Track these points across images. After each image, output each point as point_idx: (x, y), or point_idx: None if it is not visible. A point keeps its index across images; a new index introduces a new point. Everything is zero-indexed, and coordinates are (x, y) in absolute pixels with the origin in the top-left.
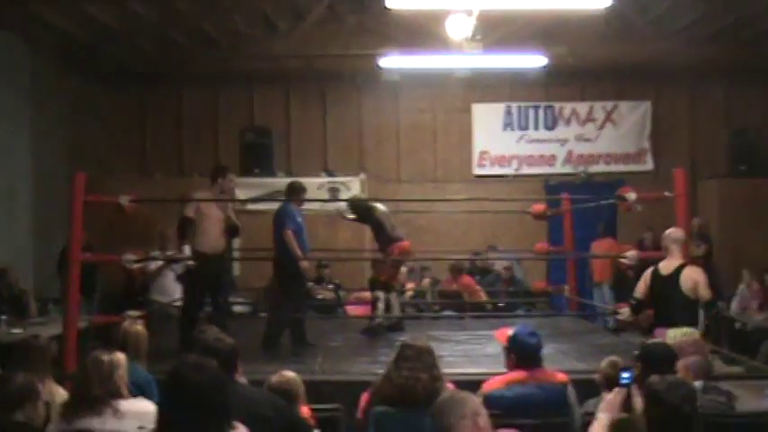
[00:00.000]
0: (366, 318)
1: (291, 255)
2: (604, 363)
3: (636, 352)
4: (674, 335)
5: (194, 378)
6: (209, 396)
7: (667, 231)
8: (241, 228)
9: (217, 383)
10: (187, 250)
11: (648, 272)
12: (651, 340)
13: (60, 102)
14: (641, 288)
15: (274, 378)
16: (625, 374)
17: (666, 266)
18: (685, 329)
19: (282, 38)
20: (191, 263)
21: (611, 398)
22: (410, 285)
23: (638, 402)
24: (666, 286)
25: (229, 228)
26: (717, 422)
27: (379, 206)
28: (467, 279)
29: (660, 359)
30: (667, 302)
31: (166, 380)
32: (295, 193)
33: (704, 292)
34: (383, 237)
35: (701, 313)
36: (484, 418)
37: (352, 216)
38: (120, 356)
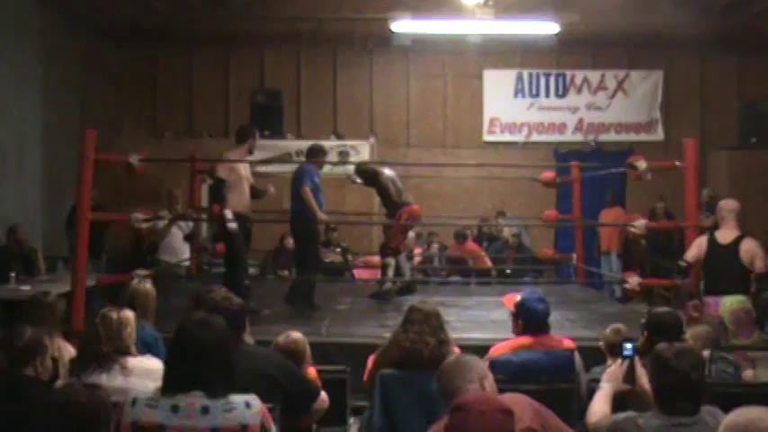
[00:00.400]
0: (374, 281)
1: (307, 213)
2: (608, 330)
3: (643, 320)
4: (730, 302)
5: (199, 334)
6: (213, 353)
7: (722, 202)
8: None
9: (221, 341)
10: (230, 214)
11: (703, 239)
12: (658, 308)
13: (71, 60)
14: (693, 253)
15: (281, 338)
16: (628, 346)
17: (724, 236)
18: (740, 298)
19: None
20: (233, 226)
21: (614, 369)
22: (417, 251)
23: (642, 374)
24: (725, 255)
25: (252, 188)
26: (723, 392)
27: (386, 171)
28: (471, 245)
29: (667, 327)
30: (724, 271)
31: (173, 336)
32: (315, 155)
33: (760, 264)
34: (389, 202)
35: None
36: (490, 382)
37: (360, 180)
38: (129, 314)
